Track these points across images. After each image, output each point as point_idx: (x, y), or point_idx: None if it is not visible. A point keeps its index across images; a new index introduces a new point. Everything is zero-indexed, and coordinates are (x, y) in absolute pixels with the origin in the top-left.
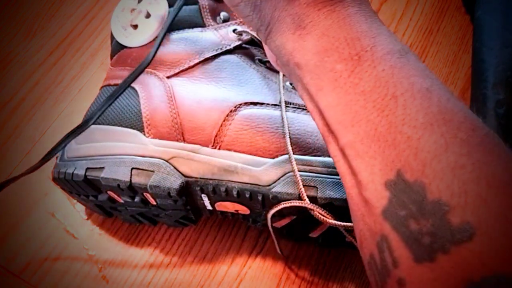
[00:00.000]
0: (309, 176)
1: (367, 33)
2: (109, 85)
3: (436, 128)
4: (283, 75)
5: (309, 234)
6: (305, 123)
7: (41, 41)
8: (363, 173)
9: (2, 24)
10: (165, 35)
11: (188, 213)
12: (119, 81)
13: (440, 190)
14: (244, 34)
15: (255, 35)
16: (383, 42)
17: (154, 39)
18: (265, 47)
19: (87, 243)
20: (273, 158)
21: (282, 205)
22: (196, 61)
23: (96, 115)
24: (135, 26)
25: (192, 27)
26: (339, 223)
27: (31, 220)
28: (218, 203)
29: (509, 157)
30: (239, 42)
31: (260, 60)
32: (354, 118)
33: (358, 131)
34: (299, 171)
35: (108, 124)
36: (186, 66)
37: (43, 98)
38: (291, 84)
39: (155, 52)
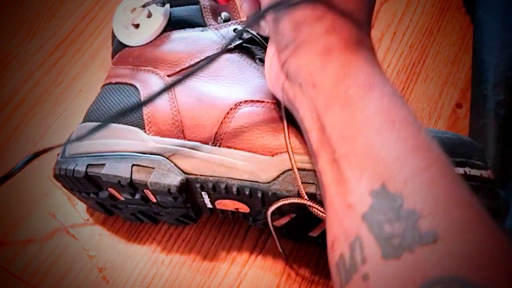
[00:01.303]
0: (308, 173)
1: (380, 74)
2: (110, 83)
3: (421, 153)
4: None
5: (308, 233)
6: None
7: (41, 41)
8: (352, 181)
9: (2, 24)
10: None
11: (189, 211)
12: (120, 80)
13: (416, 201)
14: (244, 34)
15: (255, 34)
16: (390, 85)
17: (155, 38)
18: (269, 65)
19: (87, 244)
20: (273, 155)
21: (282, 202)
22: (197, 59)
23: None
24: (137, 25)
25: (193, 27)
26: None
27: (31, 221)
28: (218, 201)
29: (472, 191)
30: (240, 41)
31: (260, 59)
32: (355, 134)
33: (355, 145)
34: (298, 168)
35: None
36: (187, 64)
37: (43, 98)
38: None
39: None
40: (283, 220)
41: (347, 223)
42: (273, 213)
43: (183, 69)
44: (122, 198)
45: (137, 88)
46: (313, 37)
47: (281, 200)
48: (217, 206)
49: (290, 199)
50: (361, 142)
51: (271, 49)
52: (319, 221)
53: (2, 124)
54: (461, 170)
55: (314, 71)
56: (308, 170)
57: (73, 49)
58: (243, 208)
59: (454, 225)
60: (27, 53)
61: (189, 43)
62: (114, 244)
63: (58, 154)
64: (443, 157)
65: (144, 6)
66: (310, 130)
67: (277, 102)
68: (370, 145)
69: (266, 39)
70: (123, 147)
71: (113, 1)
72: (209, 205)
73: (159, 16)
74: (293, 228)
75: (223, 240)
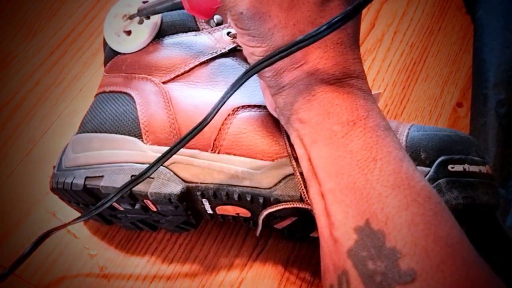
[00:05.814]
0: None
1: (363, 107)
2: (104, 92)
3: (402, 190)
4: None
5: (310, 234)
6: None
7: (42, 41)
8: (338, 217)
9: (2, 24)
10: None
11: (189, 218)
12: (114, 88)
13: (396, 240)
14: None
15: None
16: (374, 116)
17: (148, 44)
18: (265, 94)
19: (88, 243)
20: (273, 160)
21: (284, 206)
22: (192, 65)
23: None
24: (129, 32)
25: (186, 31)
26: None
27: (31, 220)
28: (219, 207)
29: (453, 222)
30: (234, 45)
31: None
32: (339, 170)
33: (340, 182)
34: (300, 173)
35: (105, 132)
36: (182, 71)
37: (44, 98)
38: None
39: None
40: (285, 223)
41: (335, 256)
42: (274, 216)
43: (178, 75)
44: (121, 209)
45: (132, 97)
46: (295, 80)
47: (283, 203)
48: (218, 212)
49: (293, 204)
50: (346, 179)
51: None
52: None
53: (2, 124)
54: (460, 168)
55: (299, 109)
56: None
57: (74, 49)
58: (244, 212)
59: (431, 265)
60: (28, 53)
61: (183, 48)
62: (115, 242)
63: (54, 166)
64: (425, 190)
65: (130, 18)
66: (300, 158)
67: None
68: (354, 183)
69: None
70: (121, 157)
71: (114, 1)
72: (210, 211)
73: (151, 22)
74: (295, 230)
75: (224, 239)
